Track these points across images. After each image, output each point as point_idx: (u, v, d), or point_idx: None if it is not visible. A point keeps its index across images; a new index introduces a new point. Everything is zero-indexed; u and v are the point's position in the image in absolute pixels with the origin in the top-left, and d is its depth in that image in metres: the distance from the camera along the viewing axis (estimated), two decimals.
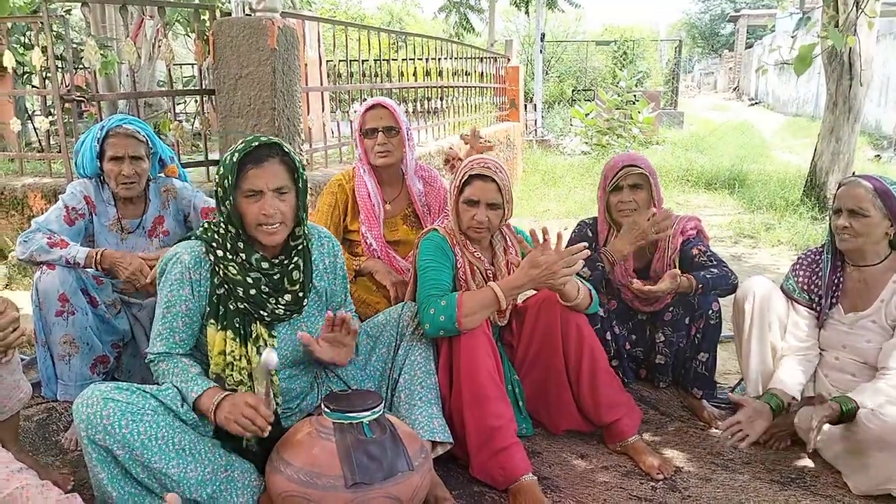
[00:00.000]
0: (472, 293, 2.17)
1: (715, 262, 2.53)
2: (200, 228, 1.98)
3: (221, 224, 1.92)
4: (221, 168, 1.87)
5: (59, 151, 4.02)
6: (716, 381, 2.64)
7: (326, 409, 1.83)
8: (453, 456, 2.17)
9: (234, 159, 1.83)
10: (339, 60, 4.98)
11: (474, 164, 2.28)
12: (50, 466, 2.19)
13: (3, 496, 1.63)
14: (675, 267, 2.56)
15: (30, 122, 6.17)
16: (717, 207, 7.13)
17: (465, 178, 2.27)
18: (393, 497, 1.72)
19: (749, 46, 28.71)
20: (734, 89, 30.66)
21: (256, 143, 1.85)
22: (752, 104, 24.68)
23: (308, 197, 1.99)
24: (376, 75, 5.72)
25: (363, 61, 5.13)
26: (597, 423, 2.34)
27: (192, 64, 8.64)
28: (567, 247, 2.13)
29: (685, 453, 2.34)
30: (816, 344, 2.36)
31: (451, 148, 3.12)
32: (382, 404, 1.86)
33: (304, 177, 1.94)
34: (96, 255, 2.33)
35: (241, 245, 1.90)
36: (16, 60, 4.09)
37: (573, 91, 18.43)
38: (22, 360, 2.12)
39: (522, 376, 2.42)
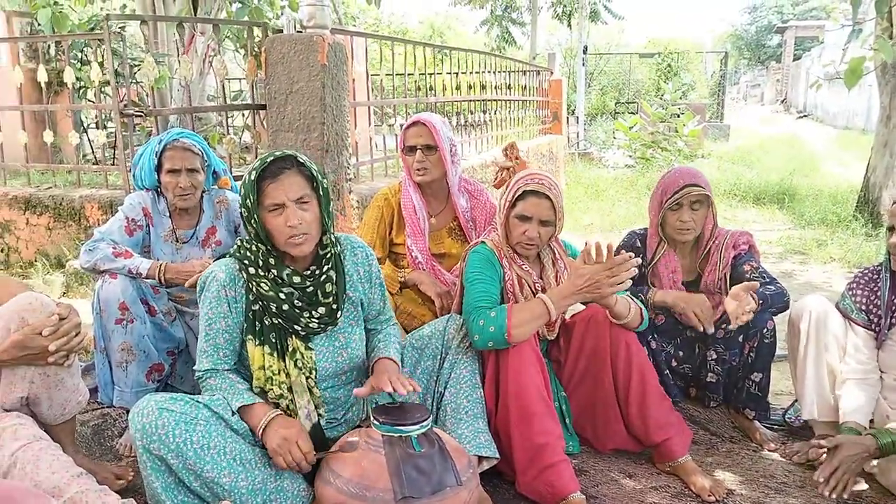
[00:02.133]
0: (522, 304, 2.17)
1: (768, 280, 2.47)
2: (234, 246, 2.01)
3: (252, 242, 1.96)
4: (242, 188, 1.89)
5: (114, 164, 4.14)
6: (769, 402, 2.58)
7: (375, 422, 1.84)
8: (499, 471, 2.16)
9: (252, 177, 1.85)
10: (387, 74, 5.02)
11: (528, 179, 2.27)
12: (101, 464, 2.24)
13: (64, 499, 1.68)
14: (726, 283, 2.52)
15: (85, 134, 6.39)
16: (765, 222, 6.98)
17: (519, 193, 2.27)
18: None
19: (797, 58, 28.16)
20: (782, 102, 30.06)
21: (271, 159, 1.87)
22: (801, 117, 24.16)
23: (331, 204, 2.00)
24: (419, 89, 5.77)
25: (409, 75, 5.18)
26: (645, 443, 2.30)
27: (239, 79, 8.85)
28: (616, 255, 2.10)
29: (737, 475, 2.29)
30: (877, 366, 2.28)
31: (494, 162, 3.13)
32: (430, 418, 1.87)
33: (325, 185, 1.94)
34: (160, 267, 2.40)
35: (271, 261, 1.92)
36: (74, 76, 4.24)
37: (616, 104, 18.30)
38: (79, 365, 2.18)
39: (569, 393, 2.40)
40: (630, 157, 11.37)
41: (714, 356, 2.56)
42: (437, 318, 2.58)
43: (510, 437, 2.08)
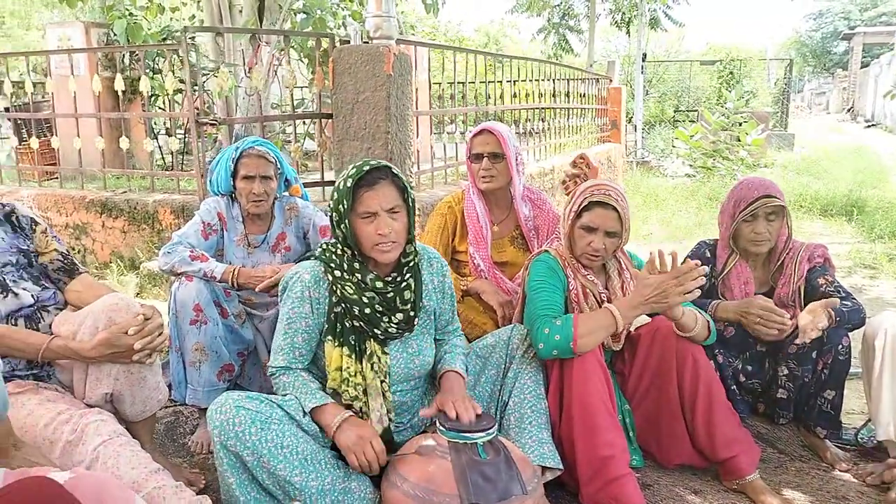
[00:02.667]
0: (589, 314, 2.16)
1: (843, 294, 2.41)
2: (319, 249, 2.08)
3: (338, 245, 2.02)
4: (336, 193, 1.96)
5: (184, 169, 4.28)
6: (841, 421, 2.50)
7: (441, 428, 1.86)
8: (561, 482, 2.15)
9: (349, 184, 1.92)
10: (448, 83, 5.08)
11: (595, 189, 2.27)
12: (178, 467, 2.33)
13: (142, 494, 1.75)
14: (800, 296, 2.46)
15: (155, 141, 6.64)
16: (833, 235, 6.76)
17: (585, 203, 2.27)
18: None
19: (865, 65, 27.16)
20: (848, 110, 29.03)
21: (368, 168, 1.93)
22: (869, 126, 23.29)
23: (416, 216, 2.06)
24: (476, 97, 5.81)
25: (470, 83, 5.22)
26: (712, 459, 2.26)
27: (300, 87, 9.05)
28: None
29: (807, 495, 2.23)
30: None
31: (565, 171, 3.13)
32: (496, 426, 1.89)
33: (412, 196, 2.01)
34: (233, 271, 2.48)
35: (356, 265, 1.99)
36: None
37: (675, 111, 17.99)
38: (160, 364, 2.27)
39: (634, 406, 2.37)
40: (690, 166, 11.15)
41: (786, 372, 2.50)
42: (497, 327, 2.61)
43: (574, 448, 2.07)
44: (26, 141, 5.85)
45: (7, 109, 6.85)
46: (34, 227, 2.20)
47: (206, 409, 2.46)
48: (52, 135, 5.69)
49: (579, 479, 2.07)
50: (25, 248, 2.15)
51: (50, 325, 2.07)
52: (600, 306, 2.29)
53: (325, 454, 1.95)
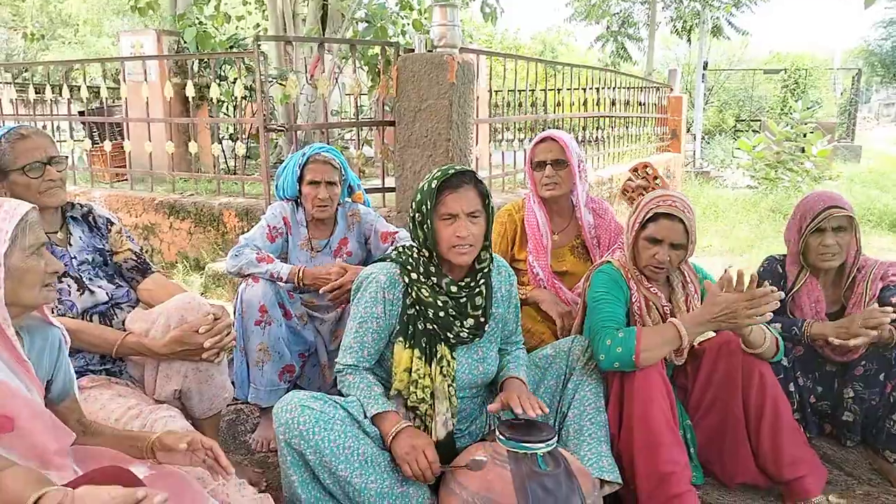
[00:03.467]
0: (653, 328, 2.13)
1: None
2: (395, 251, 2.10)
3: (415, 248, 2.05)
4: (419, 195, 1.98)
5: (248, 173, 4.38)
6: None
7: (501, 437, 1.86)
8: (619, 497, 2.12)
9: (433, 185, 1.94)
10: (509, 91, 5.09)
11: (660, 200, 2.23)
12: (241, 465, 2.39)
13: (208, 490, 1.80)
14: None
15: (220, 145, 6.84)
16: None
17: (650, 214, 2.24)
18: None
19: None
20: None
21: (453, 171, 1.96)
22: None
23: (492, 222, 2.07)
24: (532, 105, 5.80)
25: (530, 91, 5.22)
26: (777, 479, 2.20)
27: (359, 95, 9.17)
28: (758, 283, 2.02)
29: None
30: None
31: (629, 180, 3.09)
32: (556, 437, 1.87)
33: (493, 204, 2.02)
34: (298, 272, 2.54)
35: (433, 269, 2.01)
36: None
37: (736, 121, 17.58)
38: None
39: (695, 422, 2.32)
40: (752, 177, 10.87)
41: (852, 394, 2.42)
42: (556, 337, 2.59)
43: (634, 463, 2.04)
44: (98, 144, 6.09)
45: (82, 113, 7.17)
46: (110, 227, 2.29)
47: (266, 408, 2.52)
48: (122, 138, 5.92)
49: (639, 495, 2.04)
50: (101, 247, 2.24)
51: (123, 322, 2.15)
52: (663, 320, 2.25)
53: (384, 457, 1.97)
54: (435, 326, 2.00)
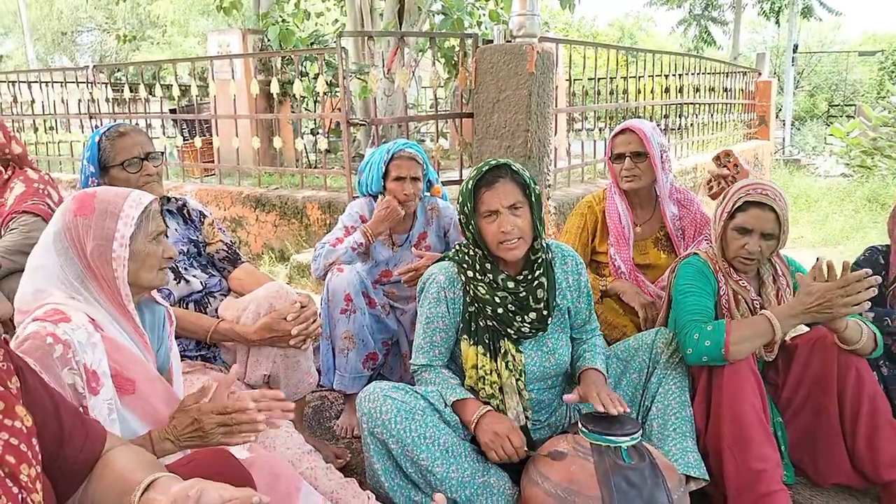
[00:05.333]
0: (744, 320, 2.06)
1: None
2: (452, 250, 2.12)
3: (469, 246, 2.05)
4: (461, 196, 2.00)
5: (330, 167, 4.48)
6: None
7: (584, 429, 1.85)
8: (705, 494, 2.07)
9: (470, 186, 1.96)
10: (589, 79, 5.01)
11: (750, 188, 2.16)
12: (323, 443, 2.45)
13: (297, 472, 1.87)
14: None
15: (301, 140, 7.04)
16: None
17: (739, 203, 2.16)
18: None
19: None
20: None
21: (486, 168, 1.96)
22: None
23: (543, 210, 2.04)
24: (612, 93, 5.69)
25: (611, 78, 5.12)
26: (874, 480, 2.09)
27: (430, 88, 9.24)
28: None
29: None
30: None
31: (709, 170, 2.98)
32: (640, 431, 1.85)
33: (537, 191, 1.99)
34: (367, 229, 2.63)
35: (487, 266, 2.01)
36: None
37: (829, 106, 16.72)
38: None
39: (786, 420, 2.23)
40: (846, 164, 10.32)
41: None
42: (638, 329, 2.54)
43: (722, 459, 1.99)
44: (188, 140, 6.37)
45: (173, 111, 7.51)
46: (203, 219, 2.40)
47: (350, 394, 2.59)
48: (211, 135, 6.17)
49: (727, 493, 1.98)
50: (195, 238, 2.35)
51: (216, 310, 2.25)
52: (752, 314, 2.18)
53: (465, 447, 1.99)
54: (495, 323, 2.00)
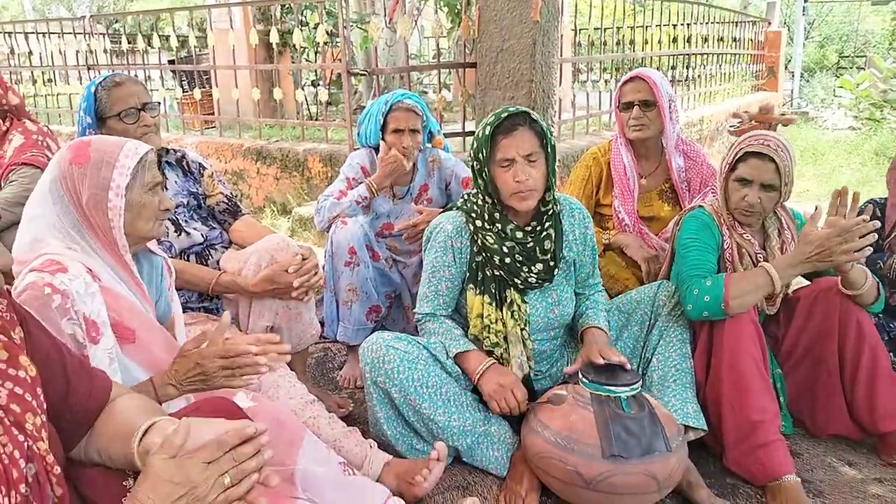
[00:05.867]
0: (743, 274, 2.05)
1: None
2: (461, 199, 2.10)
3: (479, 195, 2.03)
4: (476, 142, 1.96)
5: (331, 119, 4.42)
6: None
7: (584, 380, 1.86)
8: (703, 444, 2.10)
9: (487, 132, 1.91)
10: (595, 28, 4.91)
11: (752, 139, 2.13)
12: (325, 393, 2.47)
13: (301, 422, 1.89)
14: None
15: (302, 91, 6.94)
16: None
17: (740, 154, 2.14)
18: (650, 475, 1.71)
19: None
20: None
21: (505, 115, 1.91)
22: None
23: (556, 163, 2.01)
24: (619, 43, 5.57)
25: (617, 28, 5.02)
26: (871, 431, 2.11)
27: (438, 37, 9.06)
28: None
29: None
30: None
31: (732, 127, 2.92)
32: (640, 381, 1.86)
33: (553, 143, 1.97)
34: (371, 182, 2.61)
35: (496, 215, 2.00)
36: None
37: (839, 57, 16.39)
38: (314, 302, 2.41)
39: (786, 371, 2.24)
40: (854, 117, 10.16)
41: None
42: (641, 282, 2.54)
43: (720, 410, 2.01)
44: (188, 92, 6.29)
45: (171, 62, 7.40)
46: (202, 171, 2.38)
47: (354, 346, 2.61)
48: (210, 86, 6.09)
49: (725, 443, 2.01)
50: (195, 190, 2.34)
51: (217, 262, 2.26)
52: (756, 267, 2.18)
53: (466, 396, 2.01)
54: (502, 273, 2.00)
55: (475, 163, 1.98)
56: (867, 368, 2.06)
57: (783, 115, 2.80)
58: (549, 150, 1.95)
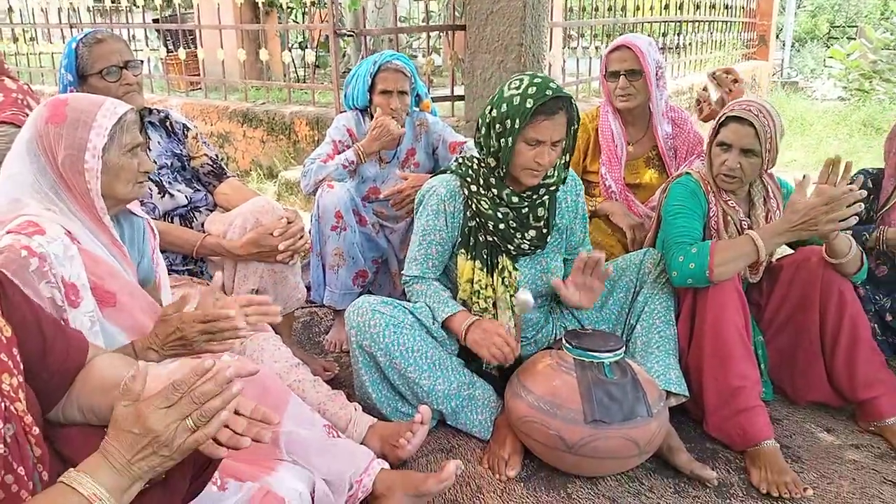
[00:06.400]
0: (728, 241, 2.06)
1: None
2: (454, 163, 2.08)
3: (475, 159, 2.01)
4: (506, 106, 1.88)
5: (319, 82, 4.35)
6: None
7: (568, 345, 1.88)
8: (684, 409, 2.12)
9: (528, 105, 1.83)
10: None
11: (735, 105, 2.13)
12: (311, 356, 2.48)
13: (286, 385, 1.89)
14: None
15: (289, 53, 6.82)
16: None
17: (722, 119, 2.13)
18: (631, 439, 1.74)
19: None
20: None
21: (551, 94, 1.84)
22: None
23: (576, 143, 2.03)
24: (610, 9, 5.49)
25: None
26: (850, 398, 2.14)
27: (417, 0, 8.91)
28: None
29: None
30: None
31: (703, 90, 2.91)
32: (623, 347, 1.87)
33: (575, 130, 1.95)
34: (360, 148, 2.59)
35: (492, 181, 1.98)
36: None
37: (830, 27, 16.31)
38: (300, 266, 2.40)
39: (768, 339, 2.27)
40: (844, 88, 10.15)
41: None
42: (626, 250, 2.55)
43: (702, 376, 2.03)
44: (173, 52, 6.17)
45: (156, 21, 7.24)
46: (186, 132, 2.34)
47: (340, 310, 2.61)
48: (195, 47, 5.97)
49: (706, 408, 2.04)
50: (179, 152, 2.30)
51: (202, 225, 2.23)
52: (740, 234, 2.18)
53: (451, 361, 2.02)
54: (495, 238, 1.99)
55: (498, 126, 1.90)
56: (847, 337, 2.08)
57: (735, 82, 2.77)
58: (571, 137, 1.95)
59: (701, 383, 2.04)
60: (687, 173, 2.26)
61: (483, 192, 2.00)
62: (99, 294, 1.42)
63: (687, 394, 2.03)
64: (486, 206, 1.98)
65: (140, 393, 0.97)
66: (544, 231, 2.04)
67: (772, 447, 1.92)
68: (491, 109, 1.94)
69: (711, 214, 2.20)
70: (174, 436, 0.95)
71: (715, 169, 2.16)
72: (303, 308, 2.91)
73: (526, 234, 2.01)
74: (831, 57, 10.97)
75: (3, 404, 0.98)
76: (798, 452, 2.04)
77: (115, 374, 1.14)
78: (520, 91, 1.87)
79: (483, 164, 2.01)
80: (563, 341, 1.90)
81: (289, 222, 2.09)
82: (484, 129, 1.97)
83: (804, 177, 1.95)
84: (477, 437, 2.04)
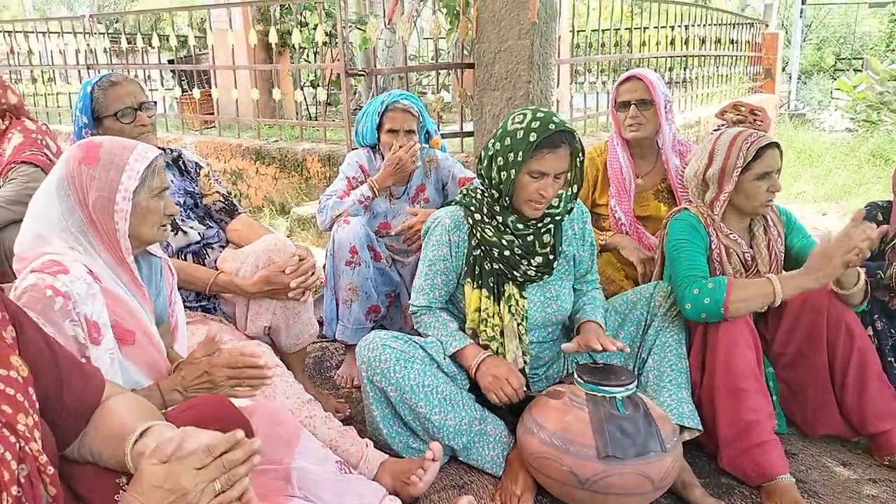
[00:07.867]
0: (746, 281, 2.06)
1: None
2: (460, 194, 2.11)
3: (479, 190, 2.04)
4: (510, 139, 1.91)
5: (330, 119, 4.42)
6: None
7: (580, 380, 1.87)
8: (697, 443, 2.11)
9: (531, 138, 1.86)
10: (593, 30, 4.91)
11: (749, 136, 2.15)
12: (324, 395, 2.48)
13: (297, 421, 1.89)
14: None
15: (301, 92, 6.93)
16: None
17: (751, 150, 2.13)
18: (644, 475, 1.72)
19: None
20: None
21: (554, 127, 1.87)
22: None
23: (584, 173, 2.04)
24: (616, 45, 5.57)
25: (615, 30, 5.03)
26: (862, 432, 2.12)
27: (433, 38, 9.06)
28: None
29: None
30: None
31: (715, 130, 2.93)
32: (636, 381, 1.87)
33: (579, 163, 1.97)
34: (374, 182, 2.64)
35: (496, 208, 2.00)
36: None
37: (837, 59, 16.43)
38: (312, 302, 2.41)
39: (777, 371, 2.25)
40: (851, 119, 10.18)
41: None
42: (636, 284, 2.55)
43: (715, 410, 2.01)
44: (188, 92, 6.30)
45: (171, 62, 7.40)
46: (198, 170, 2.38)
47: (352, 345, 2.61)
48: (209, 86, 6.09)
49: (720, 442, 2.02)
50: (191, 190, 2.34)
51: (215, 262, 2.26)
52: (744, 266, 2.19)
53: (462, 395, 2.02)
54: (501, 266, 2.01)
55: (500, 158, 1.93)
56: (857, 370, 2.07)
57: (753, 113, 2.83)
58: (575, 170, 1.97)
59: (714, 417, 2.02)
60: (685, 208, 2.27)
61: (487, 220, 2.02)
62: (118, 332, 1.44)
63: (700, 428, 2.01)
64: (491, 234, 2.00)
65: (171, 454, 1.03)
66: (551, 257, 2.05)
67: (788, 482, 1.90)
68: (494, 142, 1.97)
69: (714, 248, 2.20)
70: (201, 496, 1.00)
71: (759, 200, 2.15)
72: (315, 343, 2.92)
73: (532, 261, 2.02)
74: (838, 89, 11.03)
75: (18, 444, 0.99)
76: (815, 487, 2.01)
77: (128, 423, 1.16)
78: (523, 125, 1.90)
79: (486, 195, 2.03)
80: (575, 376, 1.90)
81: (300, 259, 2.12)
82: (486, 161, 1.99)
83: (829, 233, 1.96)
84: (489, 474, 2.02)
